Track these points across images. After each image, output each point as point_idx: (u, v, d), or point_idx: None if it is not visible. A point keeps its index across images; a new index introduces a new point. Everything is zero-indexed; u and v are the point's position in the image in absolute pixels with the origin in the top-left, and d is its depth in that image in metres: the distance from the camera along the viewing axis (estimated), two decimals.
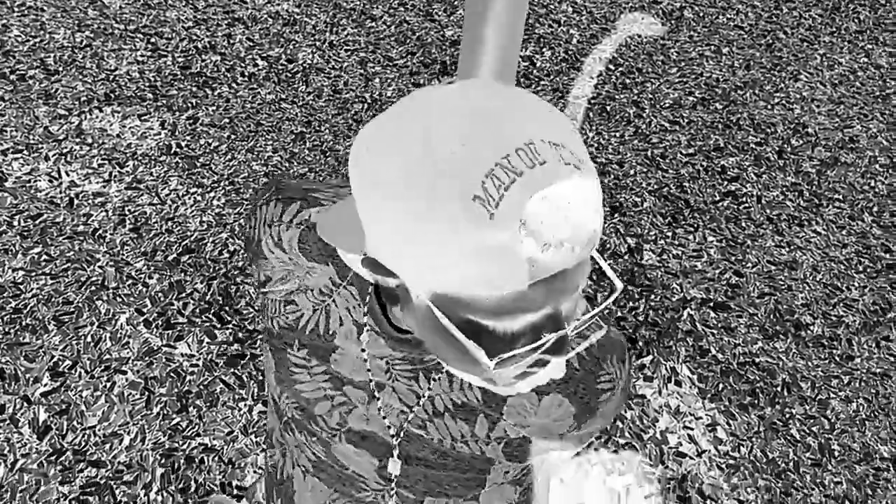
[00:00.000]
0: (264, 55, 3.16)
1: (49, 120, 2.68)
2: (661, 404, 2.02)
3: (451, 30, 3.51)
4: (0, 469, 1.68)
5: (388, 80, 3.13)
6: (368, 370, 0.83)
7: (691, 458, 1.90)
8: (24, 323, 2.00)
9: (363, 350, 0.83)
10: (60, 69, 2.95)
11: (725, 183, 2.82)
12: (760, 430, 1.98)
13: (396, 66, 3.22)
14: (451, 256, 0.56)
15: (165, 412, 1.84)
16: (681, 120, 3.12)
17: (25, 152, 2.53)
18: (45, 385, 1.86)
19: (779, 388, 2.08)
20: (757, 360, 2.15)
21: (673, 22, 3.80)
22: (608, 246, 2.48)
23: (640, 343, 2.17)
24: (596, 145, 2.94)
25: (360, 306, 0.83)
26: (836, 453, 1.95)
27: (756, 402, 2.05)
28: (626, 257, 2.45)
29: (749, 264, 2.48)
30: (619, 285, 0.65)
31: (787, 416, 2.02)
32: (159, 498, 1.68)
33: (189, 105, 2.82)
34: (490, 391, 0.81)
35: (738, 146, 3.00)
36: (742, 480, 1.86)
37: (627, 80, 3.33)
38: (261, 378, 1.92)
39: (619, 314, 2.24)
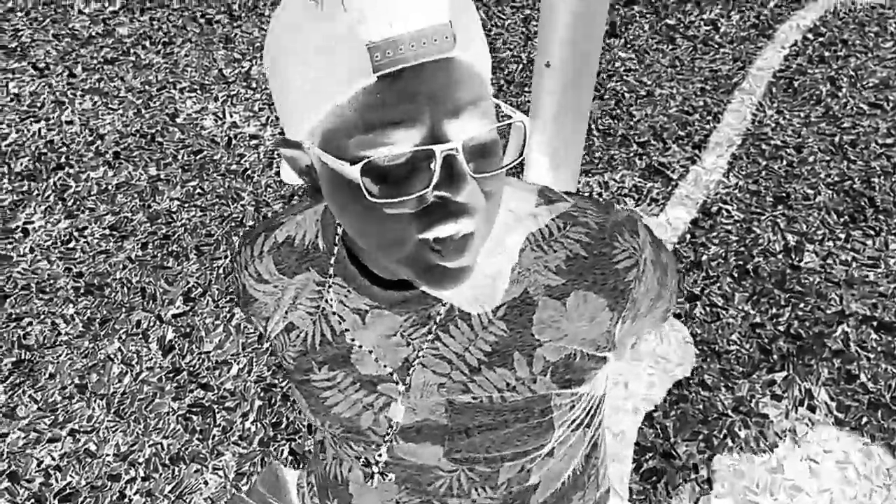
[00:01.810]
0: None
1: (224, 63, 2.88)
2: (786, 429, 1.79)
3: None
4: (127, 377, 1.88)
5: None
6: (385, 358, 0.80)
7: (808, 495, 1.67)
8: (170, 249, 2.20)
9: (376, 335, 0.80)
10: (243, 15, 3.15)
11: None
12: None
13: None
14: (307, 72, 0.59)
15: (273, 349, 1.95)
16: (884, 104, 2.68)
17: (199, 92, 2.75)
18: (177, 308, 2.05)
19: None
20: None
21: None
22: (760, 241, 2.21)
23: (775, 356, 1.92)
24: (773, 125, 2.62)
25: (352, 292, 0.79)
26: None
27: None
28: (779, 256, 2.17)
29: None
30: (519, 116, 0.63)
31: None
32: (253, 427, 1.79)
33: None
34: (511, 316, 0.76)
35: None
36: None
37: (826, 53, 2.90)
38: None
39: (757, 319, 2.01)
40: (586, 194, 2.37)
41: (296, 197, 2.33)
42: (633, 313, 0.79)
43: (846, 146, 2.53)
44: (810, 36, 3.00)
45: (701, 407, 1.83)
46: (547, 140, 1.16)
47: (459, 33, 0.59)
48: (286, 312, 0.84)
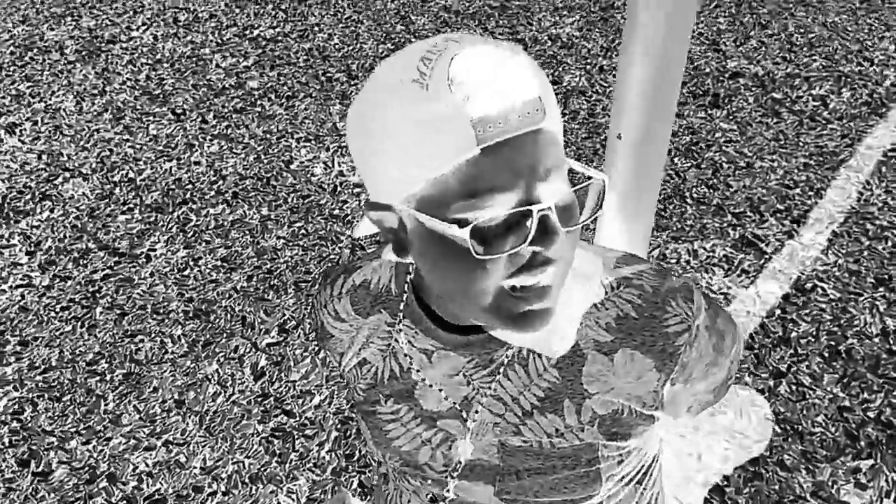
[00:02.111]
0: None
1: (339, 118, 3.11)
2: None
3: (734, 61, 3.27)
4: (220, 398, 2.03)
5: None
6: (448, 396, 0.87)
7: None
8: (271, 283, 2.37)
9: (439, 374, 0.87)
10: (361, 75, 3.39)
11: None
12: None
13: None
14: (408, 146, 0.64)
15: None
16: None
17: (313, 142, 2.98)
18: (272, 337, 2.20)
19: None
20: None
21: None
22: (856, 323, 2.13)
23: (862, 442, 1.83)
24: (880, 204, 2.53)
25: (419, 334, 0.86)
26: None
27: None
28: (875, 340, 2.08)
29: None
30: (599, 175, 0.68)
31: None
32: (328, 457, 1.88)
33: None
34: (563, 365, 0.81)
35: None
36: None
37: None
38: None
39: (846, 403, 1.92)
40: (664, 262, 2.37)
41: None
42: (685, 377, 0.82)
43: None
44: None
45: (777, 487, 1.76)
46: (619, 207, 1.21)
47: (547, 107, 0.66)
48: (360, 349, 0.92)
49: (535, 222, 0.65)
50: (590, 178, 0.71)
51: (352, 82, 3.33)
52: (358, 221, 0.83)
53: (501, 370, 0.83)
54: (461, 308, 0.77)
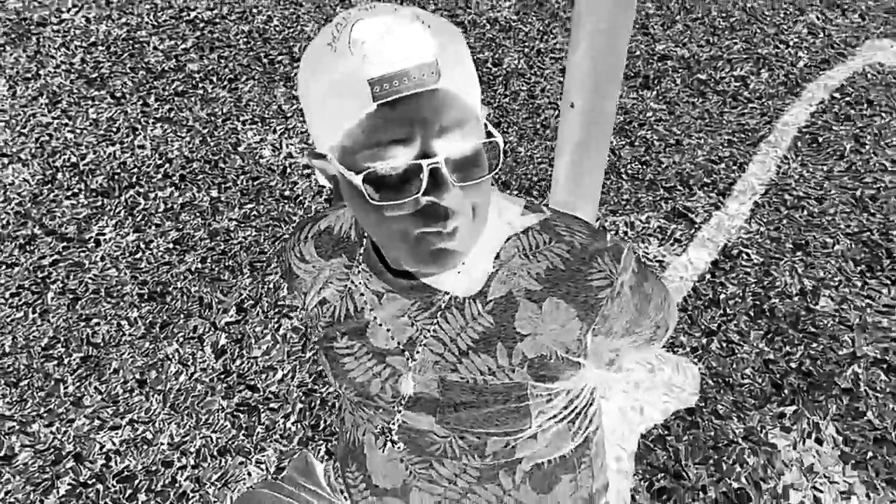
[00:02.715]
0: (474, 58, 3.37)
1: (284, 100, 3.13)
2: (793, 458, 1.88)
3: (662, 44, 3.45)
4: (182, 376, 2.07)
5: None
6: (394, 335, 0.96)
7: None
8: (226, 263, 2.40)
9: (387, 315, 0.95)
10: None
11: None
12: None
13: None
14: (323, 102, 0.73)
15: (314, 358, 2.12)
16: None
17: (259, 124, 2.99)
18: (231, 317, 2.24)
19: None
20: None
21: None
22: (777, 284, 2.33)
23: (786, 391, 2.03)
24: (796, 177, 2.75)
25: (373, 276, 0.95)
26: None
27: None
28: (796, 298, 2.28)
29: None
30: (497, 136, 0.78)
31: None
32: (294, 428, 1.95)
33: None
34: (497, 311, 0.89)
35: None
36: None
37: (852, 112, 3.04)
38: None
39: (771, 356, 2.11)
40: (597, 224, 2.52)
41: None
42: (607, 329, 0.91)
43: (867, 199, 2.64)
44: (837, 95, 3.14)
45: (712, 433, 1.94)
46: (570, 174, 1.32)
47: (444, 69, 0.72)
48: (320, 289, 1.00)
49: (427, 174, 0.73)
50: (493, 139, 0.78)
51: (294, 65, 3.35)
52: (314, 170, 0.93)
53: (440, 313, 0.92)
54: (389, 252, 0.86)
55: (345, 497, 1.14)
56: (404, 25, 0.71)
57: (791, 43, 3.47)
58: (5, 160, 2.81)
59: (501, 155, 0.79)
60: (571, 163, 1.27)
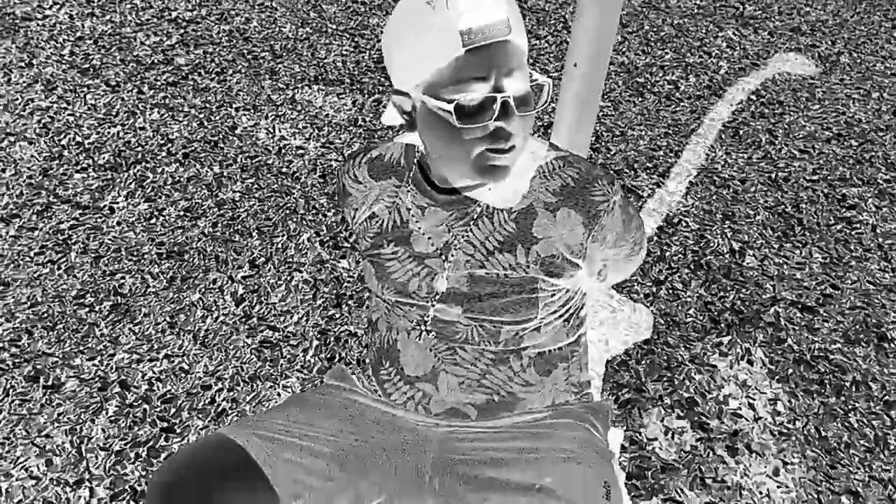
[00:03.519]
0: None
1: (271, 91, 3.42)
2: (730, 375, 2.30)
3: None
4: (209, 319, 2.32)
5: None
6: (433, 241, 1.18)
7: (747, 420, 2.17)
8: (235, 227, 2.67)
9: (428, 224, 1.18)
10: (284, 54, 3.71)
11: (843, 210, 3.00)
12: (820, 413, 2.20)
13: (552, 78, 3.69)
14: (417, 46, 0.96)
15: (325, 304, 2.41)
16: (811, 150, 3.32)
17: (251, 111, 3.27)
18: (245, 271, 2.50)
19: (847, 384, 2.29)
20: (832, 357, 2.37)
21: (827, 65, 3.97)
22: (711, 245, 2.77)
23: (722, 325, 2.45)
24: (722, 162, 3.23)
25: (418, 194, 1.20)
26: (893, 447, 2.13)
27: (822, 390, 2.27)
28: (726, 256, 2.73)
29: (848, 281, 2.66)
30: (546, 79, 1.03)
31: (850, 407, 2.22)
32: (312, 360, 2.23)
33: (377, 91, 3.46)
34: (519, 219, 1.15)
35: (864, 179, 3.16)
36: (791, 447, 2.11)
37: (766, 110, 3.57)
38: None
39: (708, 299, 2.54)
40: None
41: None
42: (601, 238, 1.17)
43: (780, 180, 3.14)
44: (753, 97, 3.67)
45: (665, 358, 2.33)
46: (570, 119, 1.70)
47: (513, 24, 0.96)
48: (371, 205, 1.24)
49: (499, 105, 0.97)
50: (539, 82, 1.07)
51: (277, 60, 3.64)
52: (384, 109, 1.23)
53: (472, 222, 1.17)
54: (450, 170, 1.11)
55: (379, 394, 1.29)
56: None
57: (713, 53, 4.01)
58: (11, 138, 2.98)
59: (548, 94, 1.05)
60: (573, 110, 1.65)
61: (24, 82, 3.31)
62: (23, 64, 3.43)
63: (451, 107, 0.98)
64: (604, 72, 1.60)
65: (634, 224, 1.25)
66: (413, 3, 0.98)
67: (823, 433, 2.15)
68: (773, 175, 3.17)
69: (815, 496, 1.96)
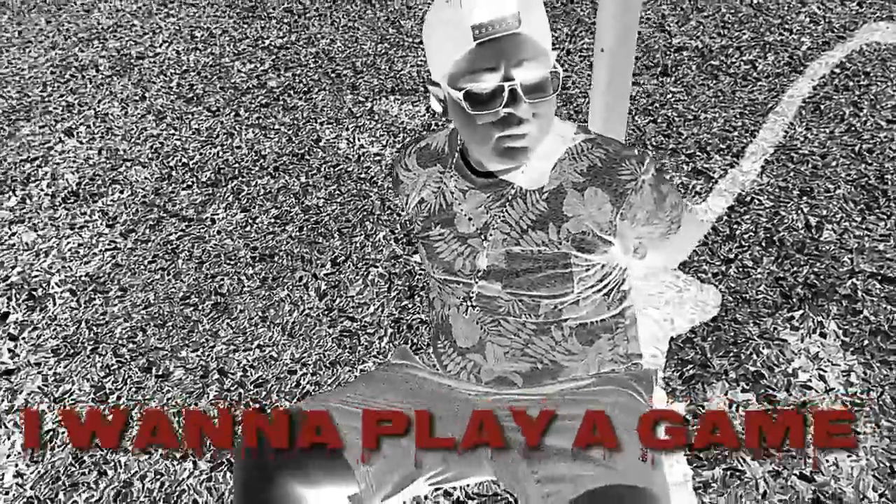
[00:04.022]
0: None
1: (352, 104, 3.66)
2: (801, 349, 2.27)
3: (678, 38, 3.91)
4: (295, 313, 2.55)
5: None
6: (474, 222, 1.28)
7: (817, 391, 2.14)
8: (319, 230, 2.90)
9: (469, 206, 1.27)
10: (364, 70, 3.95)
11: None
12: None
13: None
14: (442, 42, 1.06)
15: (399, 296, 2.58)
16: None
17: (334, 124, 3.52)
18: (327, 269, 2.72)
19: None
20: None
21: None
22: (785, 221, 2.73)
23: (794, 299, 2.42)
24: (801, 139, 3.15)
25: (460, 178, 1.30)
26: None
27: None
28: (801, 231, 2.68)
29: None
30: (558, 68, 1.09)
31: None
32: (388, 347, 2.41)
33: None
34: (550, 199, 1.23)
35: None
36: (864, 417, 2.06)
37: (850, 83, 3.44)
38: None
39: (780, 274, 2.51)
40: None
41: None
42: (631, 216, 1.18)
43: (864, 152, 3.03)
44: (837, 70, 3.54)
45: (732, 334, 2.34)
46: (602, 103, 1.78)
47: (524, 18, 1.01)
48: (420, 190, 1.35)
49: (507, 93, 1.04)
50: (555, 70, 1.12)
51: (359, 76, 3.89)
52: (430, 97, 1.35)
53: (508, 202, 1.25)
54: (479, 153, 1.19)
55: (437, 368, 1.38)
56: None
57: (794, 30, 3.89)
58: (128, 163, 3.38)
59: (560, 81, 1.12)
60: (603, 94, 1.74)
61: (138, 114, 3.73)
62: (137, 97, 3.86)
63: (460, 95, 1.08)
64: (632, 53, 1.68)
65: (669, 202, 1.29)
66: (440, 2, 1.08)
67: None
68: (856, 147, 3.06)
69: (888, 464, 1.92)
